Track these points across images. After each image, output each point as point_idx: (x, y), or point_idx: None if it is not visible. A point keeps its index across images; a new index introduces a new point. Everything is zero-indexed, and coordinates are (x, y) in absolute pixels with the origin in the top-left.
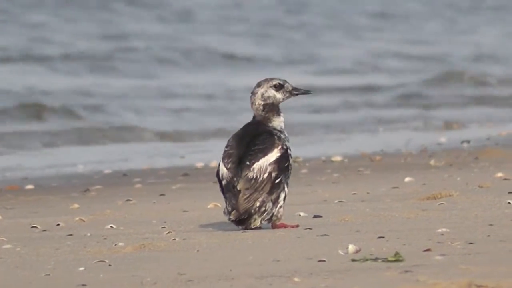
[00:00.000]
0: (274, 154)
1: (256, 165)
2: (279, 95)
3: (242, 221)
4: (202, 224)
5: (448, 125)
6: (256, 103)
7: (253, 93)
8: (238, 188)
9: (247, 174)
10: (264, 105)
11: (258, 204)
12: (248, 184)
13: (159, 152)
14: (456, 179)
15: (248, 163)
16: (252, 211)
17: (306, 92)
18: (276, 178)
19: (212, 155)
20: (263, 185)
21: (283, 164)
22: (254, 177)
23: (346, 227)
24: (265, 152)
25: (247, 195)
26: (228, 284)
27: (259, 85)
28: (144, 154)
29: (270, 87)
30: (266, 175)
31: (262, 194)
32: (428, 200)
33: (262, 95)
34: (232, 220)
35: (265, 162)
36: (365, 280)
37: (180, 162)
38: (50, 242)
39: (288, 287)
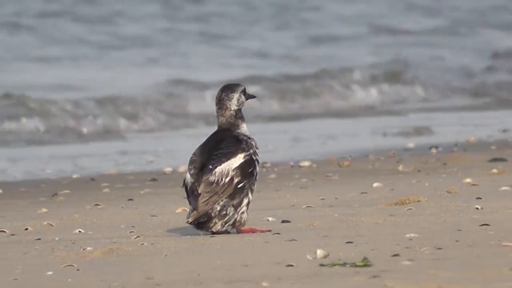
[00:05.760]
0: (238, 160)
1: (218, 169)
2: (244, 100)
3: (202, 224)
4: (170, 229)
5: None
6: (232, 108)
7: (228, 98)
8: (199, 191)
9: (208, 177)
10: (237, 111)
11: (218, 208)
12: (209, 188)
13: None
14: (425, 184)
15: (210, 166)
16: (212, 214)
17: (253, 96)
18: (239, 183)
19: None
20: (224, 188)
21: (246, 170)
22: (216, 180)
23: (315, 232)
24: (228, 156)
25: (206, 198)
26: None
27: (232, 90)
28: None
29: (241, 92)
30: (227, 179)
31: (222, 197)
32: (397, 205)
33: (238, 100)
34: (190, 223)
35: (227, 167)
36: (333, 285)
37: (149, 167)
38: (18, 246)
39: None
